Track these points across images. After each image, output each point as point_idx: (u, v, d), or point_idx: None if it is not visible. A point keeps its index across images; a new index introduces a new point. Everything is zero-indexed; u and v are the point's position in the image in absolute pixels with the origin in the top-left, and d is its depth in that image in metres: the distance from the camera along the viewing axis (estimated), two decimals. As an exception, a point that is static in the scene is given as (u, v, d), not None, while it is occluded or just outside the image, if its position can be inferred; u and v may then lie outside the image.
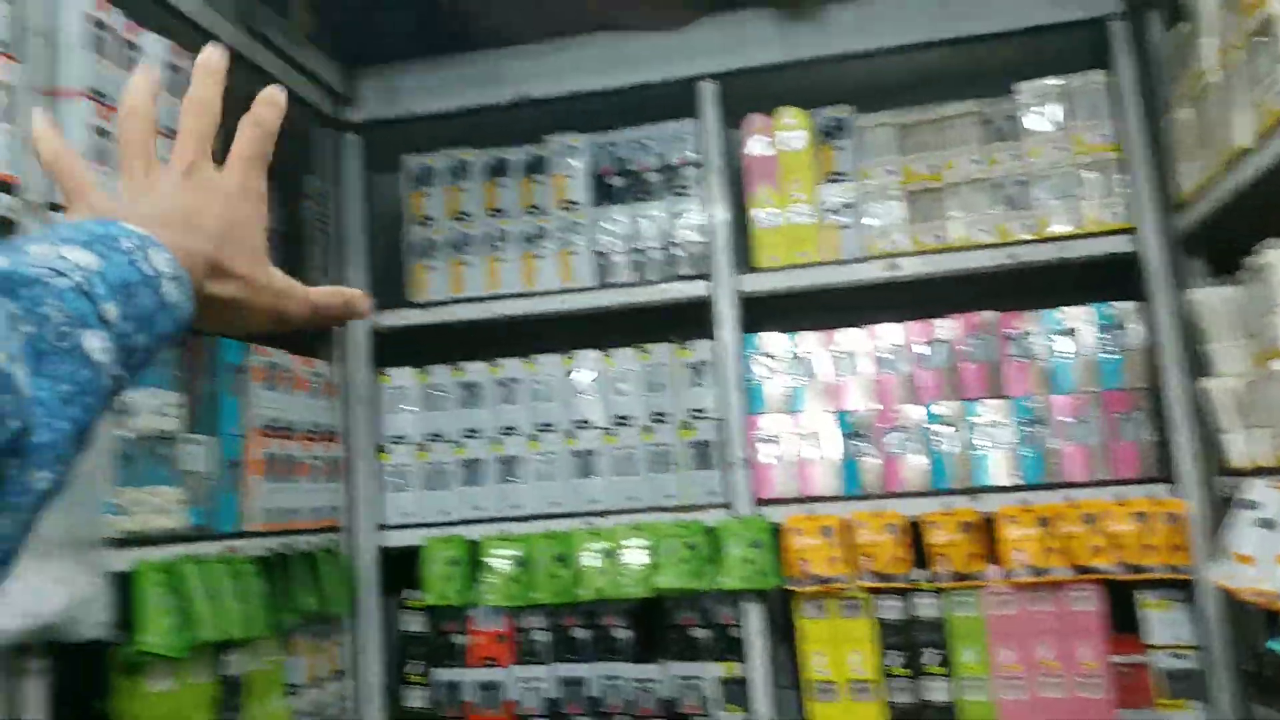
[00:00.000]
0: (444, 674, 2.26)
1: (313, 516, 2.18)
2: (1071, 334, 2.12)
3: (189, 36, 1.79)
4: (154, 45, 1.72)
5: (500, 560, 2.22)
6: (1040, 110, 2.18)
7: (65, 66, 1.54)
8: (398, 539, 2.32)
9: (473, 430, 2.34)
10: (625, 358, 2.30)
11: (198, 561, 1.77)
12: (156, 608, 1.65)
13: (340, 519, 2.30)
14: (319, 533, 2.20)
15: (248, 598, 1.87)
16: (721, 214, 2.26)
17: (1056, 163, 2.15)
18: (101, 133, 1.57)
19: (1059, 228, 2.13)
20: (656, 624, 2.22)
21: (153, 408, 1.74)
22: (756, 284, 2.23)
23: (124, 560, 1.61)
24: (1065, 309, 2.13)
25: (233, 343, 1.97)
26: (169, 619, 1.67)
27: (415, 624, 2.31)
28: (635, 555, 2.16)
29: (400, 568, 2.33)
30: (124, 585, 1.59)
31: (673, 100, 2.31)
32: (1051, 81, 2.18)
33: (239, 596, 1.85)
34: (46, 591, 1.40)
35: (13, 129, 1.43)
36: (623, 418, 2.27)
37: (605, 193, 2.36)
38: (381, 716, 2.30)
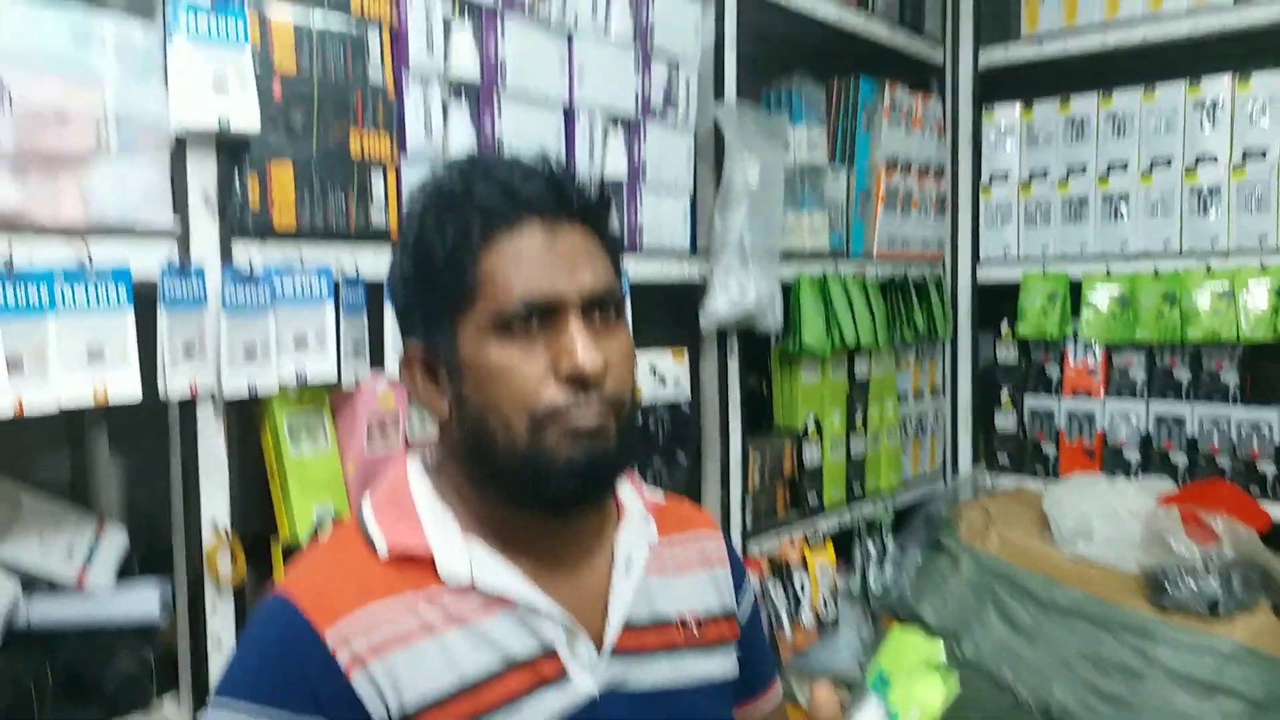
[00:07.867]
0: (1034, 401, 2.40)
1: (921, 247, 2.37)
2: None
3: None
4: None
5: (1101, 297, 2.25)
6: None
7: None
8: (995, 274, 2.44)
9: (1078, 167, 2.31)
10: (1266, 84, 2.08)
11: (837, 279, 2.06)
12: (810, 314, 1.98)
13: (942, 252, 2.47)
14: (925, 263, 2.39)
15: (873, 313, 2.14)
16: None
17: None
18: None
19: None
20: (1270, 371, 2.12)
21: (806, 142, 2.00)
22: None
23: (786, 272, 1.93)
24: None
25: (869, 81, 2.15)
26: (819, 324, 1.99)
27: (1007, 354, 2.45)
28: (1259, 298, 2.05)
29: (993, 302, 2.46)
30: (784, 294, 1.92)
31: None
32: None
33: (866, 312, 2.12)
34: (746, 289, 1.76)
35: None
36: (1257, 151, 2.09)
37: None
38: (972, 434, 2.53)
